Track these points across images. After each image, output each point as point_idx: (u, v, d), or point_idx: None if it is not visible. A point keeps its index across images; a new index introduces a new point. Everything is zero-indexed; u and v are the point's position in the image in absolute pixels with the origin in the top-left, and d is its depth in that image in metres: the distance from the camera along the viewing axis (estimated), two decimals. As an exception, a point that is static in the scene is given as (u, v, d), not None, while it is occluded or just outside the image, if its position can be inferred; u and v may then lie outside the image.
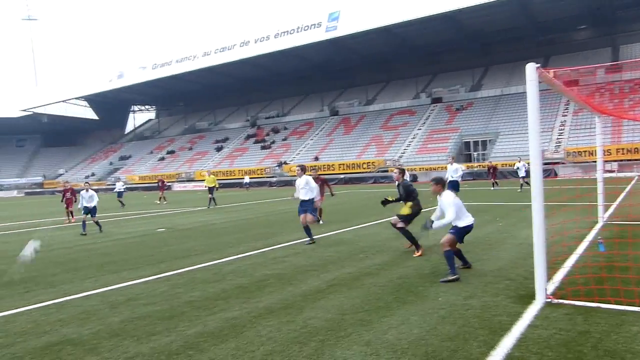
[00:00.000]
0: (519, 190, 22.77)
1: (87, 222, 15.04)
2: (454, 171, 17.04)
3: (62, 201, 19.66)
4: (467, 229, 6.99)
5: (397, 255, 8.56)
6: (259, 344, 4.53)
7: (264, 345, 4.51)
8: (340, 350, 4.29)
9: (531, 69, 5.46)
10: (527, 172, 27.10)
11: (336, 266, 7.92)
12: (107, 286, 7.29)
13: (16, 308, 6.29)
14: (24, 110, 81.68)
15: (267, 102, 76.83)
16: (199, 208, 22.74)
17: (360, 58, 60.79)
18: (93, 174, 74.89)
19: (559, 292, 5.66)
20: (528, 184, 25.12)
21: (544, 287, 5.40)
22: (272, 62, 60.57)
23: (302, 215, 10.46)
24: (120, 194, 28.77)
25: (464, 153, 48.14)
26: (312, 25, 53.82)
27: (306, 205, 10.46)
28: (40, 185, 76.79)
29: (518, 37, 53.63)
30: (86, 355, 4.50)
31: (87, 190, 15.53)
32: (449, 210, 6.85)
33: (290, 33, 55.20)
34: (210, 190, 23.89)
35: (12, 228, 18.05)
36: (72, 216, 19.13)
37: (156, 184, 30.72)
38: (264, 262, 8.61)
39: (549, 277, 5.99)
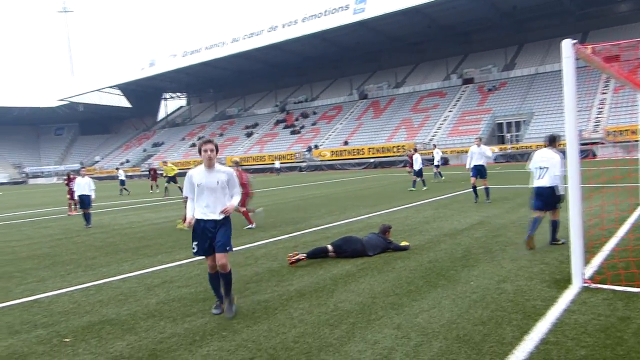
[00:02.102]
0: (432, 180, 21.30)
1: (87, 214, 13.71)
2: (481, 154, 13.76)
3: (67, 193, 18.30)
4: (535, 191, 7.42)
5: (428, 239, 8.49)
6: (291, 326, 4.59)
7: (295, 327, 4.56)
8: (371, 333, 4.31)
9: (567, 45, 5.26)
10: (444, 161, 24.14)
11: (367, 250, 7.90)
12: (143, 269, 7.49)
13: (59, 289, 6.54)
14: (62, 100, 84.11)
15: (295, 87, 76.78)
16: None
17: (388, 40, 59.87)
18: (127, 161, 76.76)
19: (597, 277, 5.51)
20: (440, 174, 22.77)
21: (581, 271, 5.27)
22: (300, 46, 60.33)
23: (220, 254, 5.00)
24: (122, 182, 29.69)
25: (497, 135, 47.09)
26: (339, 7, 53.24)
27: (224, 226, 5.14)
28: (78, 172, 79.22)
29: (554, 13, 51.72)
30: (125, 334, 4.65)
31: (82, 177, 14.04)
32: None
33: (318, 17, 54.77)
34: (171, 179, 24.19)
35: (53, 213, 18.71)
36: (76, 208, 16.89)
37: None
38: (295, 245, 8.67)
39: (587, 261, 5.84)
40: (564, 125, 5.46)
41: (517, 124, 46.04)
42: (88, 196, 13.83)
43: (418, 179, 19.25)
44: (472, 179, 13.73)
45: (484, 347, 3.88)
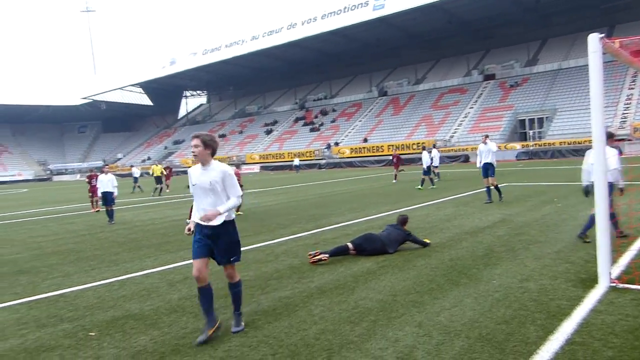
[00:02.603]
0: (432, 187, 18.87)
1: (110, 210, 13.90)
2: (489, 152, 13.21)
3: (88, 191, 18.46)
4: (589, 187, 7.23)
5: (449, 237, 8.41)
6: (312, 323, 4.60)
7: (316, 324, 4.57)
8: (392, 330, 4.29)
9: (594, 39, 5.14)
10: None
11: (387, 247, 7.87)
12: (165, 265, 7.59)
13: (84, 284, 6.67)
14: (85, 98, 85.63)
15: (315, 84, 76.75)
16: (249, 191, 23.20)
17: (408, 36, 59.39)
18: (149, 158, 77.71)
19: (625, 277, 5.39)
20: (437, 175, 20.77)
21: (608, 271, 5.15)
22: (320, 43, 60.27)
23: (225, 266, 4.63)
24: (136, 180, 30.28)
25: (519, 131, 46.39)
26: (358, 4, 53.00)
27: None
28: (100, 169, 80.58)
29: (579, 6, 50.61)
30: (148, 329, 4.72)
31: (105, 174, 14.31)
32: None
33: (337, 13, 54.64)
34: (158, 179, 24.87)
35: (77, 209, 19.07)
36: (98, 204, 17.45)
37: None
38: (315, 243, 8.68)
39: (614, 260, 5.71)
40: (589, 121, 5.35)
41: (540, 120, 45.26)
42: (111, 193, 14.04)
43: (426, 177, 19.10)
44: (485, 180, 13.18)
45: (507, 347, 3.83)
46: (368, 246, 7.32)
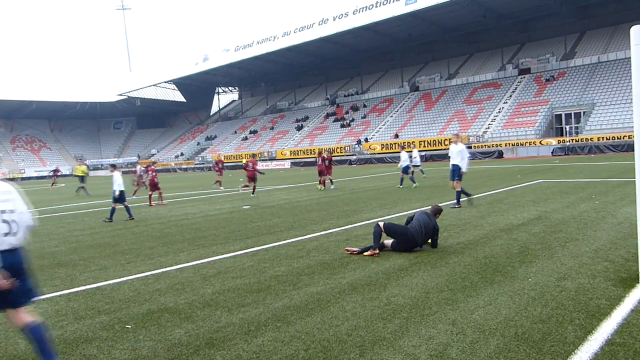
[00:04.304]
0: (415, 185, 18.87)
1: (118, 208, 13.93)
2: (459, 153, 12.25)
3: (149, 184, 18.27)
4: None
5: (483, 234, 8.27)
6: (344, 319, 4.60)
7: (348, 320, 4.57)
8: (425, 328, 4.25)
9: (637, 31, 4.95)
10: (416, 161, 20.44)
11: (419, 244, 7.79)
12: (199, 259, 7.71)
13: (119, 277, 6.84)
14: (120, 95, 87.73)
15: (346, 80, 76.54)
16: (281, 186, 23.35)
17: (441, 31, 58.45)
18: (182, 154, 79.19)
19: (667, 276, 5.19)
20: (407, 177, 19.09)
21: (650, 270, 4.98)
22: (351, 39, 59.97)
23: None
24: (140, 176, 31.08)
25: (555, 127, 45.15)
26: (391, -2, 52.50)
27: None
28: (135, 164, 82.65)
29: (620, -3, 48.76)
30: (182, 322, 4.81)
31: (112, 172, 14.08)
32: None
33: (369, 8, 54.19)
34: (81, 179, 25.92)
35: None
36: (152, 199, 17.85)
37: (241, 164, 31.22)
38: (347, 239, 8.67)
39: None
40: (629, 116, 5.17)
41: (577, 115, 43.93)
42: (114, 191, 13.76)
43: (405, 176, 19.46)
44: (455, 183, 12.11)
45: (544, 346, 3.74)
46: (403, 245, 7.24)
